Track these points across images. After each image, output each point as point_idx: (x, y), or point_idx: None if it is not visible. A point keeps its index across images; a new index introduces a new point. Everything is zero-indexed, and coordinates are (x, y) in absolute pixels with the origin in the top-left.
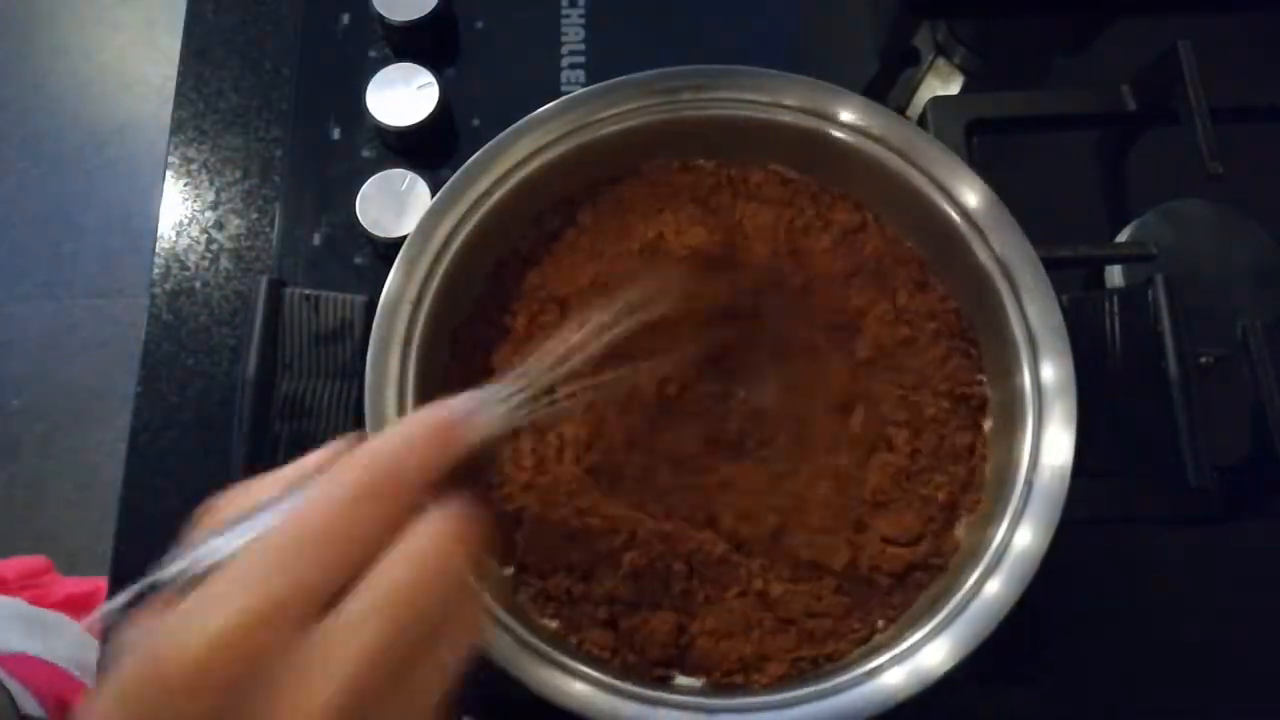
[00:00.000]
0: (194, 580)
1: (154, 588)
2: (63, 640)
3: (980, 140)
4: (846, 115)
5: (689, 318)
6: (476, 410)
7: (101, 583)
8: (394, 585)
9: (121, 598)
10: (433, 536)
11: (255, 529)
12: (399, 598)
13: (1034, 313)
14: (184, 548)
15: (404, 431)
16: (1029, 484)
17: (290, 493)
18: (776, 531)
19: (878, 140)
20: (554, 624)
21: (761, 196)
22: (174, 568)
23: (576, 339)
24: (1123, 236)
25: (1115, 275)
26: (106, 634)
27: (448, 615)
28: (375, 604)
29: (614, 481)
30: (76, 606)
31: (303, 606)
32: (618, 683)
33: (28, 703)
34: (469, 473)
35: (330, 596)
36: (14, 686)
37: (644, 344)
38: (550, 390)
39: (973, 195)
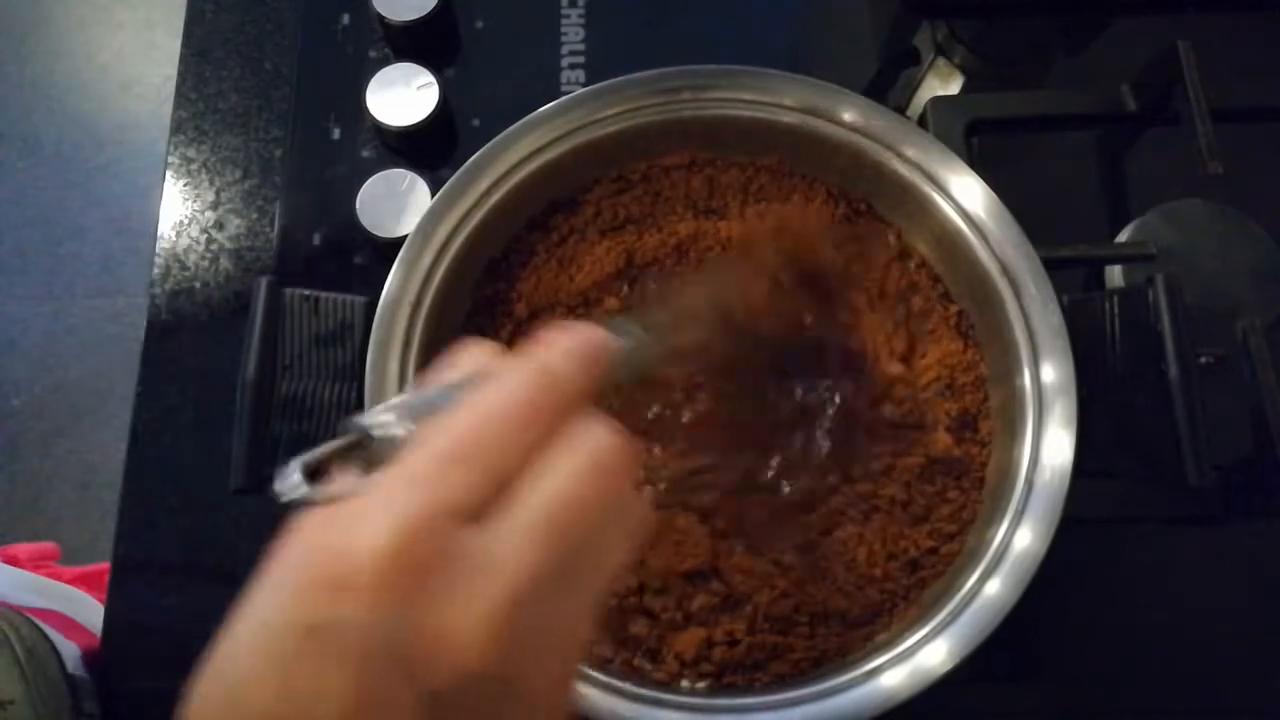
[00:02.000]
0: (372, 454)
1: (347, 446)
2: (84, 609)
3: (980, 140)
4: (847, 116)
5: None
6: (621, 343)
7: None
8: (562, 491)
9: (313, 453)
10: (593, 448)
11: (434, 403)
12: (568, 503)
13: (1034, 313)
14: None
15: (571, 346)
16: (1029, 484)
17: (467, 382)
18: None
19: (878, 140)
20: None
21: (763, 196)
22: (364, 430)
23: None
24: (1123, 236)
25: (1115, 275)
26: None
27: (609, 521)
28: (542, 508)
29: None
30: (90, 584)
31: (470, 512)
32: (618, 683)
33: (72, 660)
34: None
35: (493, 503)
36: (60, 642)
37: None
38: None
39: (973, 195)
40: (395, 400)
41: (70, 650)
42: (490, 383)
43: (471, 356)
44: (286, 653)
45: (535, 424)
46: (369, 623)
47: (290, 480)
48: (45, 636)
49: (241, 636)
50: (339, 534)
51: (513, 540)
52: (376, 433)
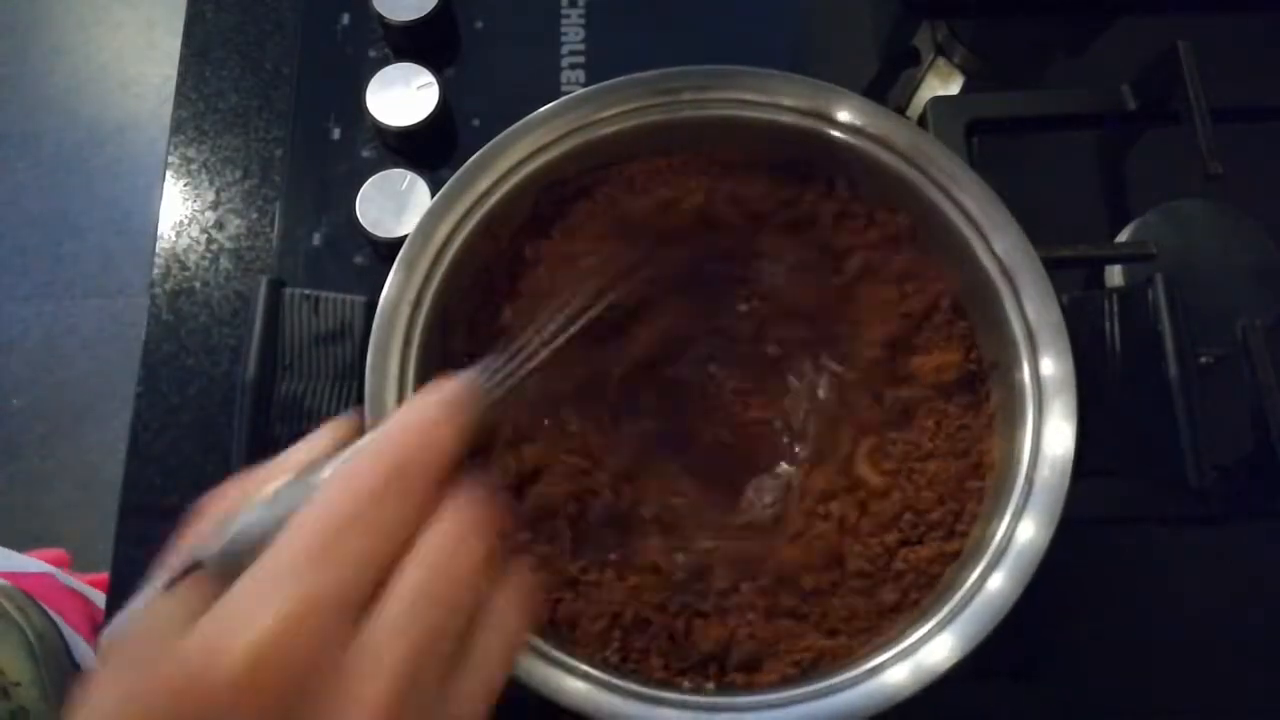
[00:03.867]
0: (216, 569)
1: (176, 580)
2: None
3: (980, 140)
4: (846, 115)
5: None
6: (476, 386)
7: None
8: (424, 578)
9: (142, 594)
10: (451, 527)
11: (280, 510)
12: (430, 590)
13: (1033, 311)
14: (194, 538)
15: (418, 414)
16: (1030, 479)
17: (305, 480)
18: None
19: (877, 140)
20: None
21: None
22: (201, 555)
23: (556, 314)
24: (1123, 236)
25: (1115, 275)
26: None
27: (486, 602)
28: (407, 599)
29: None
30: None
31: (340, 608)
32: (618, 682)
33: (80, 647)
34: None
35: (365, 595)
36: (67, 631)
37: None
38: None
39: (973, 195)
40: (233, 523)
41: (77, 641)
42: (352, 458)
43: (323, 435)
44: None
45: (404, 495)
46: None
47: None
48: (55, 625)
49: None
50: (202, 639)
51: (384, 633)
52: (207, 558)
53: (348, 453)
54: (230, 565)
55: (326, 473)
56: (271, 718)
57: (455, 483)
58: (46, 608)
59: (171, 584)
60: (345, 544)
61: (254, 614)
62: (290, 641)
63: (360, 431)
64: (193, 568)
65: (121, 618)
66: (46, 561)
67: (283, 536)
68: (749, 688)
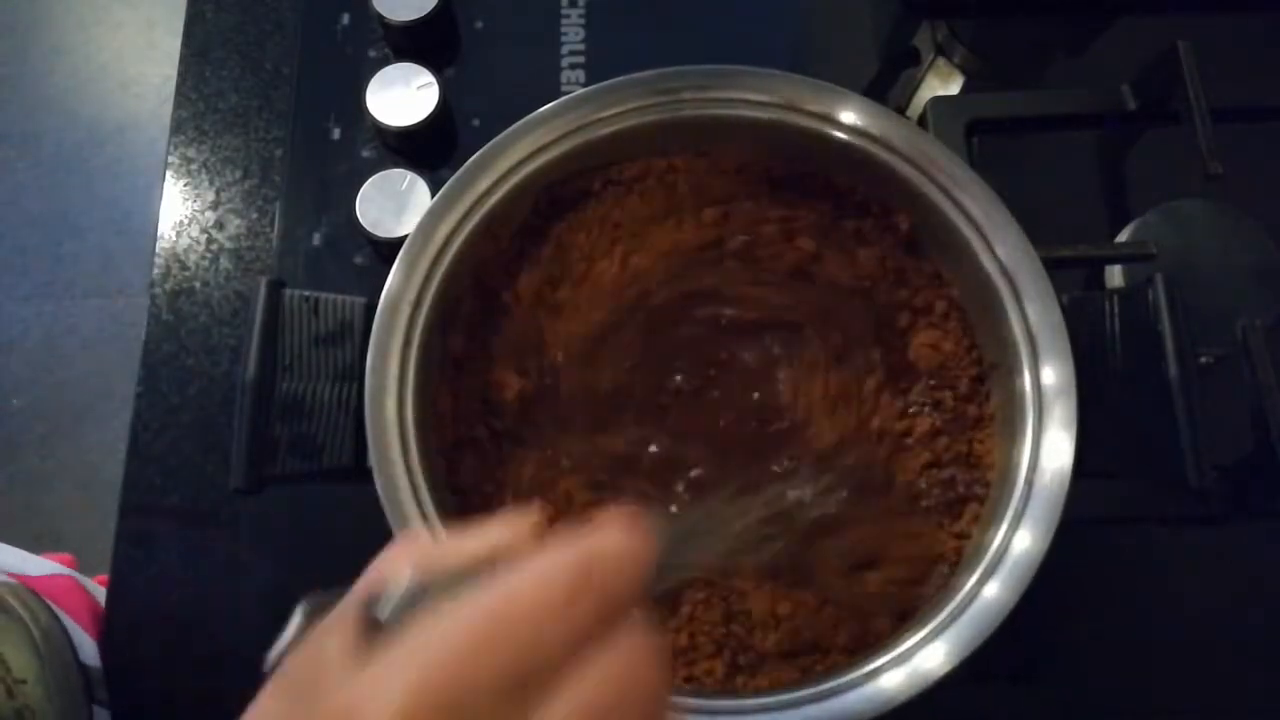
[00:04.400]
0: (385, 629)
1: (347, 617)
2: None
3: (980, 140)
4: (847, 116)
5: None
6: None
7: None
8: (597, 695)
9: (295, 625)
10: (635, 652)
11: (454, 588)
12: (602, 707)
13: (1034, 313)
14: (375, 583)
15: (616, 541)
16: (1029, 486)
17: (486, 564)
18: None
19: (878, 140)
20: None
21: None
22: (372, 603)
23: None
24: (1123, 236)
25: (1115, 275)
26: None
27: None
28: (578, 705)
29: None
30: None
31: (493, 697)
32: None
33: (85, 646)
34: None
35: (522, 690)
36: (73, 630)
37: None
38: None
39: (973, 196)
40: (407, 586)
41: (84, 640)
42: (528, 564)
43: (501, 529)
44: None
45: (578, 606)
46: None
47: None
48: (60, 623)
49: None
50: (348, 698)
51: None
52: (384, 617)
53: (550, 551)
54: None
55: (499, 573)
56: None
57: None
58: (54, 606)
59: (341, 618)
60: (517, 633)
61: (404, 682)
62: (446, 706)
63: (542, 531)
64: (363, 609)
65: (285, 640)
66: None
67: (456, 610)
68: (749, 689)
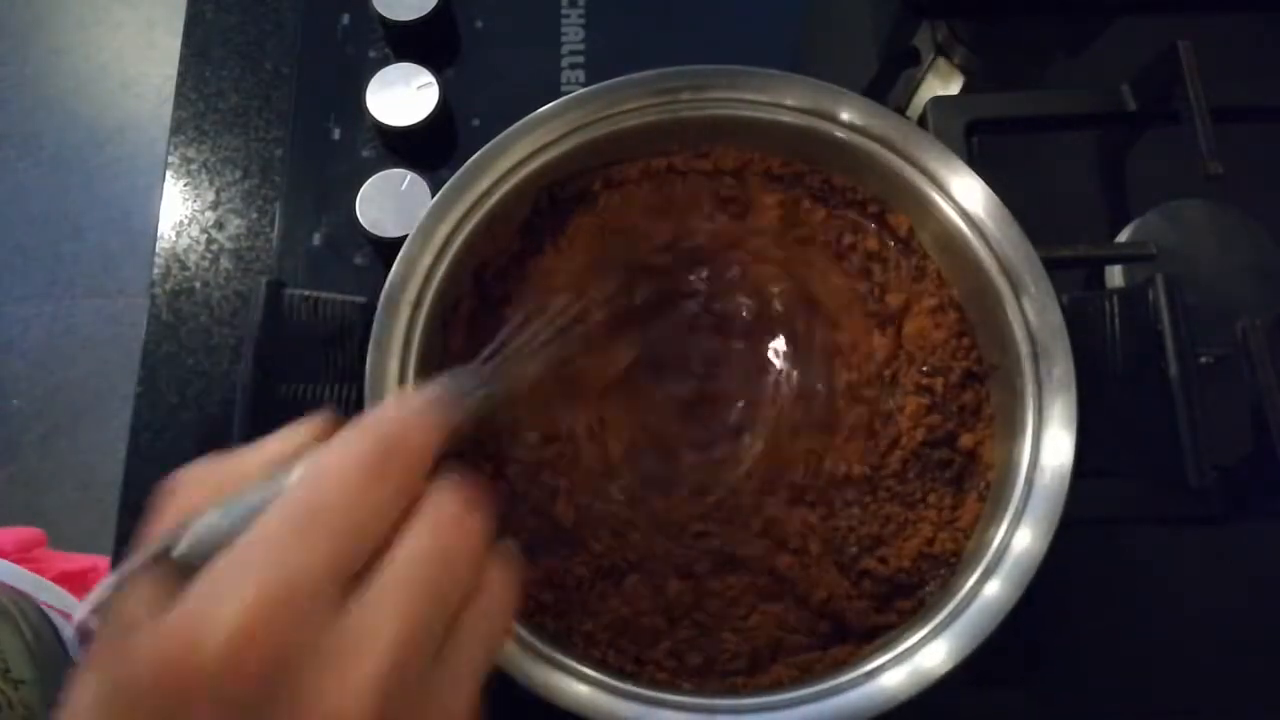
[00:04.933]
0: (190, 560)
1: (147, 568)
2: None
3: (980, 140)
4: (847, 115)
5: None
6: (457, 387)
7: (97, 560)
8: (419, 556)
9: (113, 578)
10: (446, 505)
11: (254, 503)
12: (426, 569)
13: (1034, 313)
14: (169, 524)
15: (402, 406)
16: (1029, 485)
17: (282, 468)
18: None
19: (878, 140)
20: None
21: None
22: (172, 544)
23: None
24: (1123, 236)
25: (1115, 275)
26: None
27: (477, 584)
28: (401, 576)
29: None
30: (73, 583)
31: (325, 584)
32: (620, 684)
33: (74, 646)
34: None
35: (351, 573)
36: (63, 626)
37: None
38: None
39: (973, 195)
40: (206, 516)
41: (71, 635)
42: (324, 450)
43: (289, 432)
44: None
45: (381, 482)
46: None
47: (105, 591)
48: (50, 621)
49: None
50: (181, 620)
51: (375, 612)
52: (177, 552)
53: (338, 438)
54: (196, 563)
55: (297, 473)
56: (255, 699)
57: (438, 477)
58: (42, 604)
59: (143, 570)
60: (332, 520)
61: (235, 593)
62: (273, 619)
63: (336, 429)
64: (163, 555)
65: (90, 603)
66: (21, 542)
67: (266, 513)
68: (749, 689)
